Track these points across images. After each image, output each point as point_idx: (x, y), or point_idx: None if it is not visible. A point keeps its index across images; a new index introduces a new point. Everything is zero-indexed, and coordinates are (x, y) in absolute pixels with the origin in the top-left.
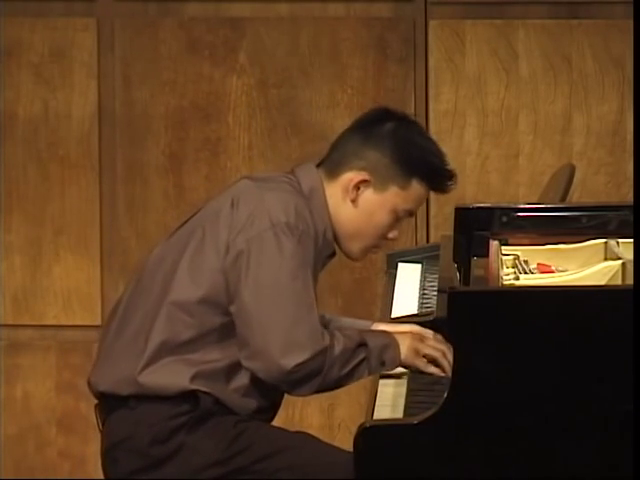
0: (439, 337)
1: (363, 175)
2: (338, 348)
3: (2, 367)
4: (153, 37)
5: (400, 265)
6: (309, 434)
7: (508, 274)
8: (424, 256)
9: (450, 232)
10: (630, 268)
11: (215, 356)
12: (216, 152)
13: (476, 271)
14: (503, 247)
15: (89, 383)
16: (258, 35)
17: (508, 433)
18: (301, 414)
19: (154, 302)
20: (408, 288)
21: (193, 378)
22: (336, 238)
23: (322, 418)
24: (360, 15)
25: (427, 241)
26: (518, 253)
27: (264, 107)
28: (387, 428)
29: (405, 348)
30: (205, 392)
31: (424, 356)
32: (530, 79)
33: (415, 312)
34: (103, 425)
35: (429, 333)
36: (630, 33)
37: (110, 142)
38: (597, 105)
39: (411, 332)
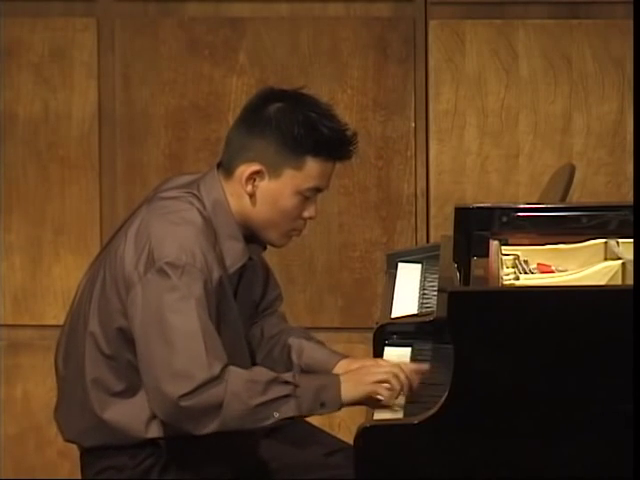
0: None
1: (254, 167)
2: (244, 378)
3: (2, 367)
4: (153, 37)
5: (400, 265)
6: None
7: (508, 274)
8: (424, 256)
9: (450, 232)
10: (630, 268)
11: None
12: (216, 152)
13: (476, 271)
14: (503, 247)
15: (56, 420)
16: (258, 35)
17: (508, 433)
18: None
19: (81, 348)
20: (408, 288)
21: (148, 425)
22: (253, 232)
23: (322, 418)
24: (360, 15)
25: (427, 241)
26: (518, 253)
27: None
28: (387, 428)
29: (351, 384)
30: (164, 438)
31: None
32: (530, 79)
33: (415, 312)
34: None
35: (374, 362)
36: (630, 33)
37: (110, 142)
38: (597, 105)
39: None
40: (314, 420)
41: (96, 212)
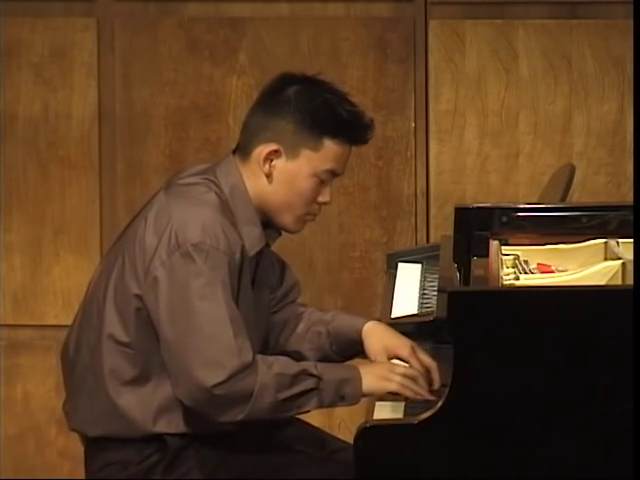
0: (421, 357)
1: (272, 146)
2: (274, 371)
3: (2, 367)
4: (153, 37)
5: (400, 265)
6: (301, 457)
7: (508, 274)
8: (424, 256)
9: (450, 232)
10: (630, 268)
11: (169, 387)
12: (216, 152)
13: (476, 271)
14: (503, 247)
15: (64, 411)
16: (258, 35)
17: (508, 433)
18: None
19: (94, 336)
20: (408, 288)
21: (156, 418)
22: (269, 216)
23: (322, 418)
24: (360, 15)
25: (427, 241)
26: (518, 253)
27: None
28: (387, 428)
29: (372, 378)
30: (172, 434)
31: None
32: (530, 79)
33: (415, 312)
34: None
35: (405, 353)
36: (630, 33)
37: (110, 142)
38: (597, 105)
39: (382, 361)
40: (314, 419)
41: (96, 212)
